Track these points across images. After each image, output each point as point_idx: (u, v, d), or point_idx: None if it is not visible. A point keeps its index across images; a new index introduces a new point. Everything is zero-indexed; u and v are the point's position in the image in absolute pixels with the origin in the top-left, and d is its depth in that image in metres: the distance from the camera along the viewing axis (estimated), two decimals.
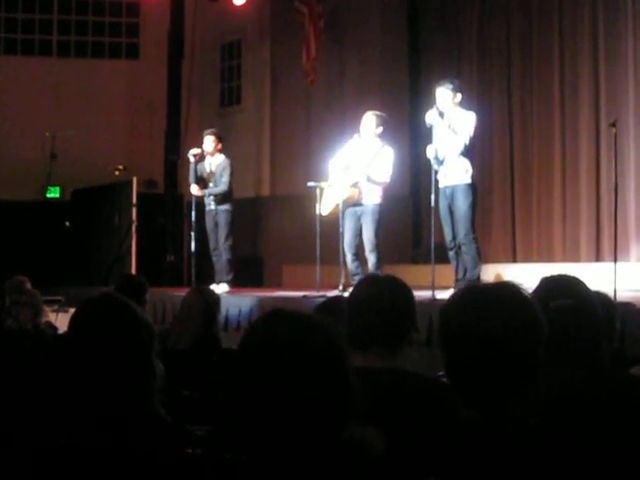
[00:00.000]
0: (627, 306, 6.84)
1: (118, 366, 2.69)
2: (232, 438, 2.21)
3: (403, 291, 3.41)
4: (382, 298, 3.32)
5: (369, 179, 9.56)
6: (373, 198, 9.64)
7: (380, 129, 9.65)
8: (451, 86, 8.97)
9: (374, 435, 2.30)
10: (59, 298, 10.94)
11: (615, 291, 7.49)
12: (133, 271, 13.51)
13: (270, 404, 2.06)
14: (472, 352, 2.29)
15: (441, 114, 8.91)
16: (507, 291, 2.37)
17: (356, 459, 2.12)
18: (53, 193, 16.34)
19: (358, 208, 9.67)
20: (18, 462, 2.78)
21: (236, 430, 2.14)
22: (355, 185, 9.58)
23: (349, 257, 9.69)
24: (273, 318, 2.17)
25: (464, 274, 8.97)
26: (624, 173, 11.50)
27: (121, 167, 14.38)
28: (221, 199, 11.19)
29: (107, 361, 2.68)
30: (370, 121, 9.65)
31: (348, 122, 11.46)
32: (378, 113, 9.77)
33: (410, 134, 14.37)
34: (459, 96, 8.98)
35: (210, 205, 11.26)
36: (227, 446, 2.23)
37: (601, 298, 3.63)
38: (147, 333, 2.77)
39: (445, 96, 8.92)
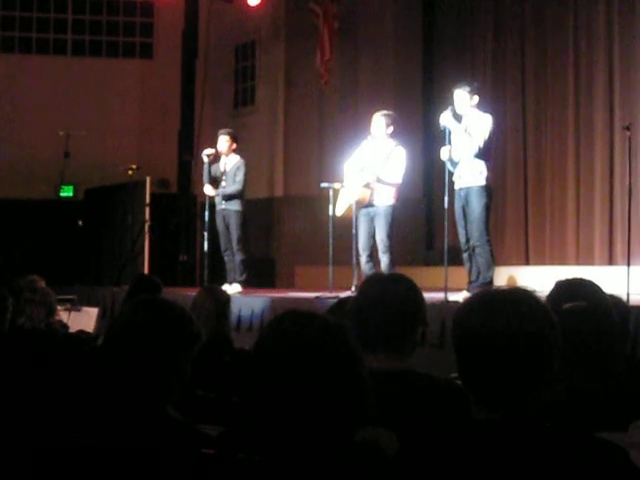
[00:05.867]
0: None
1: (153, 368, 2.71)
2: (245, 438, 2.21)
3: (407, 289, 3.38)
4: (386, 297, 3.30)
5: (379, 180, 9.54)
6: (386, 199, 9.62)
7: (391, 129, 9.63)
8: (468, 88, 8.96)
9: (388, 437, 2.30)
10: (72, 297, 10.93)
11: (628, 294, 7.48)
12: (146, 271, 13.52)
13: (285, 405, 2.06)
14: (485, 355, 2.29)
15: (456, 116, 8.90)
16: (520, 295, 2.37)
17: (369, 461, 2.12)
18: (66, 192, 16.35)
19: (371, 209, 9.65)
20: (29, 461, 2.78)
21: (250, 430, 2.14)
22: (367, 186, 9.57)
23: (363, 258, 9.68)
24: (288, 320, 2.17)
25: (477, 276, 8.94)
26: (638, 176, 11.46)
27: (134, 167, 14.36)
28: (230, 197, 11.14)
29: (146, 363, 2.71)
30: (380, 122, 9.64)
31: (361, 123, 11.44)
32: (387, 112, 9.76)
33: (423, 135, 14.36)
34: (476, 98, 8.96)
35: (221, 205, 11.20)
36: (240, 446, 2.23)
37: (615, 301, 3.63)
38: (190, 339, 2.81)
39: (462, 98, 8.91)
